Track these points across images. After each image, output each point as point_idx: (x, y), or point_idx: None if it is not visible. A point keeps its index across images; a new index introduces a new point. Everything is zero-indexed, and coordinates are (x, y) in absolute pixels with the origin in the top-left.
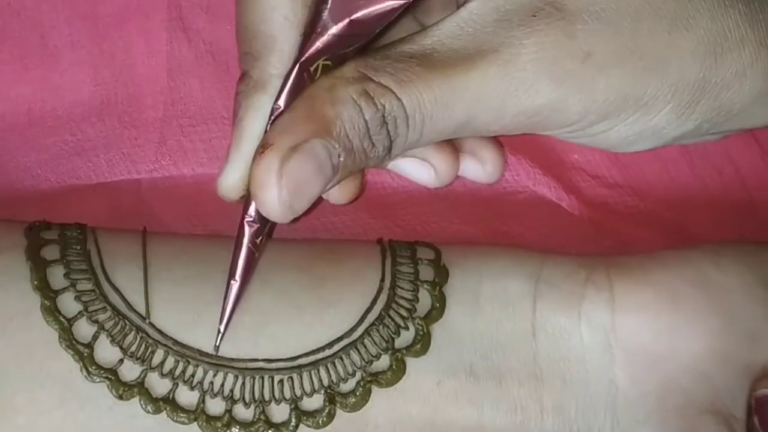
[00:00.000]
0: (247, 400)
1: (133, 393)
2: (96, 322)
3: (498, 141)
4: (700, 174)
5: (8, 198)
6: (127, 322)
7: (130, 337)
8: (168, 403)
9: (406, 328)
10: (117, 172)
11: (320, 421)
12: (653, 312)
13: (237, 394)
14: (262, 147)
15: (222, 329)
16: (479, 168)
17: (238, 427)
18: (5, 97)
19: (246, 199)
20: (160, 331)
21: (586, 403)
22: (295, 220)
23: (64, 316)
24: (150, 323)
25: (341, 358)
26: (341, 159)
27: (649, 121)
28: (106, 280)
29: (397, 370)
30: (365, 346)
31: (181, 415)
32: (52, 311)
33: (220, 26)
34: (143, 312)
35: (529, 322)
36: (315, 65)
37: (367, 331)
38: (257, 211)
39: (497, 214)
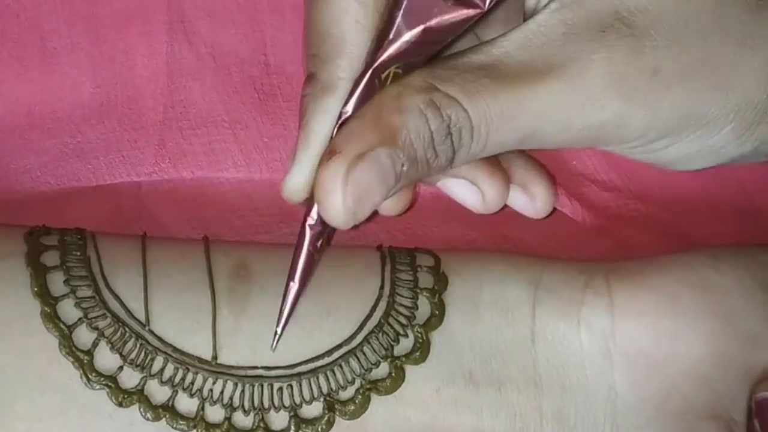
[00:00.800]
0: (247, 408)
1: (133, 400)
2: (96, 329)
3: (550, 176)
4: (699, 177)
5: (8, 200)
6: (126, 329)
7: (129, 344)
8: (167, 411)
9: (406, 335)
10: (117, 174)
11: (319, 429)
12: (653, 316)
13: (236, 401)
14: (329, 153)
15: (279, 331)
16: (528, 203)
17: None
18: (5, 99)
19: (309, 202)
20: (159, 338)
21: (585, 410)
22: (356, 227)
23: (64, 323)
24: (150, 330)
25: (340, 366)
26: (404, 168)
27: (709, 140)
28: (106, 286)
29: (397, 378)
30: (364, 354)
31: (181, 422)
32: (52, 318)
33: (223, 30)
34: (143, 319)
35: (528, 329)
36: (387, 72)
37: (366, 339)
38: (319, 215)
39: (498, 218)
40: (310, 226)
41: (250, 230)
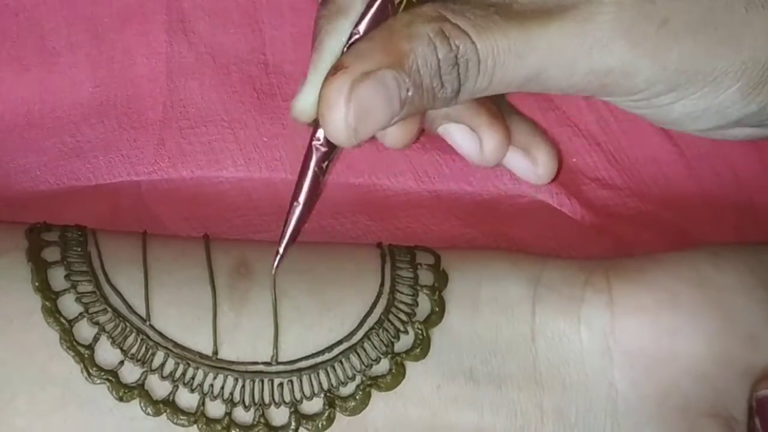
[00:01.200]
0: (247, 403)
1: (134, 395)
2: (97, 323)
3: (553, 144)
4: (698, 175)
5: (7, 199)
6: (127, 324)
7: (130, 339)
8: (168, 406)
9: (406, 332)
10: (116, 173)
11: (320, 425)
12: (653, 314)
13: (237, 396)
14: (335, 69)
15: (281, 251)
16: (530, 168)
17: (237, 429)
18: (4, 98)
19: (316, 122)
20: (160, 334)
21: (586, 407)
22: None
23: (65, 318)
24: (150, 325)
25: (341, 362)
26: (410, 93)
27: (716, 98)
28: (106, 282)
29: (397, 374)
30: (365, 350)
31: (181, 417)
32: (53, 312)
33: (222, 29)
34: (144, 314)
35: (528, 327)
36: (399, 0)
37: (366, 335)
38: (325, 136)
39: (497, 216)
40: (315, 147)
41: (250, 229)
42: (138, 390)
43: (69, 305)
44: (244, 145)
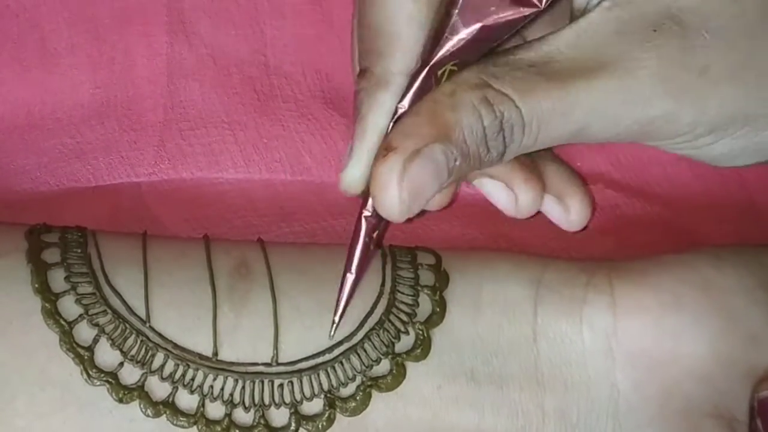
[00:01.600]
0: (247, 404)
1: (133, 396)
2: (96, 325)
3: (586, 189)
4: (700, 174)
5: (7, 200)
6: (127, 326)
7: (130, 341)
8: (168, 407)
9: (407, 332)
10: (116, 175)
11: (320, 426)
12: (655, 315)
13: (237, 398)
14: (386, 149)
15: (336, 320)
16: (563, 215)
17: (237, 430)
18: (4, 99)
19: (365, 195)
20: (160, 335)
21: (587, 408)
22: (409, 220)
23: (64, 319)
24: (150, 327)
25: (341, 363)
26: (457, 163)
27: (755, 136)
28: (106, 283)
29: (398, 375)
30: (365, 351)
31: (181, 418)
32: (52, 314)
33: (223, 30)
34: (144, 315)
35: (530, 327)
36: (443, 69)
37: (367, 336)
38: (374, 208)
39: (498, 217)
40: (365, 218)
41: (250, 230)
42: (138, 391)
43: (69, 307)
44: (244, 147)
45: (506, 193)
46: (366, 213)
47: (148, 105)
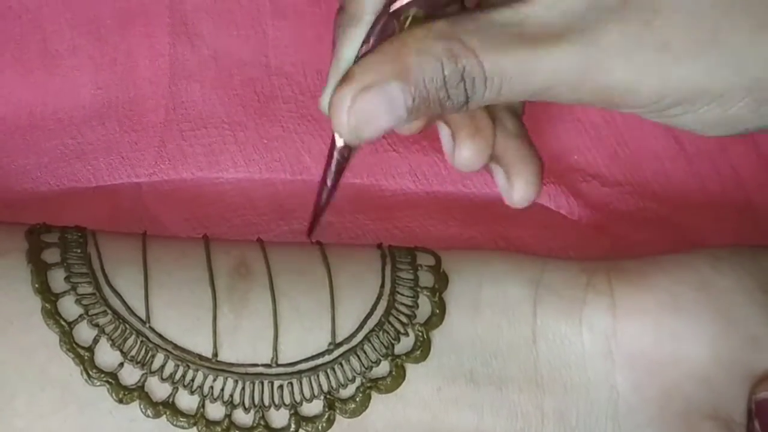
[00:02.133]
0: (247, 405)
1: (133, 397)
2: (96, 325)
3: (538, 171)
4: (698, 172)
5: (7, 200)
6: (127, 326)
7: (130, 341)
8: (168, 408)
9: (406, 334)
10: (116, 175)
11: (320, 427)
12: (655, 316)
13: (237, 398)
14: (343, 79)
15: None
16: (507, 189)
17: (237, 431)
18: (6, 100)
19: None
20: (160, 335)
21: (587, 410)
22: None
23: (64, 320)
24: (150, 327)
25: (341, 364)
26: (415, 103)
27: (725, 111)
28: (106, 283)
29: (397, 376)
30: (365, 352)
31: (181, 419)
32: (53, 314)
33: (225, 32)
34: (143, 316)
35: (529, 328)
36: (406, 15)
37: (367, 337)
38: None
39: (495, 216)
40: (335, 138)
41: (249, 229)
42: (138, 392)
43: (69, 307)
44: (244, 147)
45: (450, 142)
46: (337, 135)
47: (149, 106)
